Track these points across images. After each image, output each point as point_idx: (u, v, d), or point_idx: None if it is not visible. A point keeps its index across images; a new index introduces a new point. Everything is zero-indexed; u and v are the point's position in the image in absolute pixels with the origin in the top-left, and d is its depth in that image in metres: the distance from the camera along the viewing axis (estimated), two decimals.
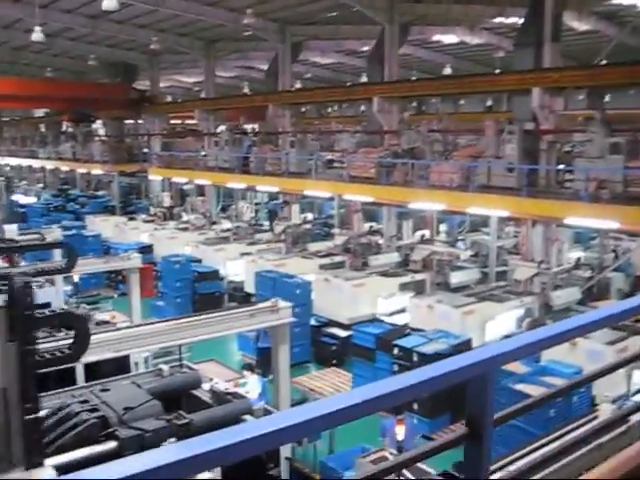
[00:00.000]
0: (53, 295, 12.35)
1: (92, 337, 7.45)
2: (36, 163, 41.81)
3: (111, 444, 5.95)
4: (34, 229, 18.86)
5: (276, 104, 27.19)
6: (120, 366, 9.73)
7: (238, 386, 11.82)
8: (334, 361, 16.09)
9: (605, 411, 4.45)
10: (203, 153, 29.08)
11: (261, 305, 8.11)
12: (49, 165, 40.77)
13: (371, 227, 21.02)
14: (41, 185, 42.59)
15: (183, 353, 14.88)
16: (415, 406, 12.33)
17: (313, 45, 32.10)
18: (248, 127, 33.99)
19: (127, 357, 9.86)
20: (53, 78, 38.78)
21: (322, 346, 16.74)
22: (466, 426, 2.22)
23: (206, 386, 8.83)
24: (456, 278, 18.50)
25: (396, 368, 13.10)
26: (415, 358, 12.70)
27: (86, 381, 9.15)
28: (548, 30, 16.71)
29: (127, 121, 40.20)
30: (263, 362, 16.78)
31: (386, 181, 20.12)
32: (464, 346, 13.01)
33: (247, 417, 6.96)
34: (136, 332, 7.11)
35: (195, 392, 8.17)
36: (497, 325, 14.59)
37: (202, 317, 7.77)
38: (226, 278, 21.47)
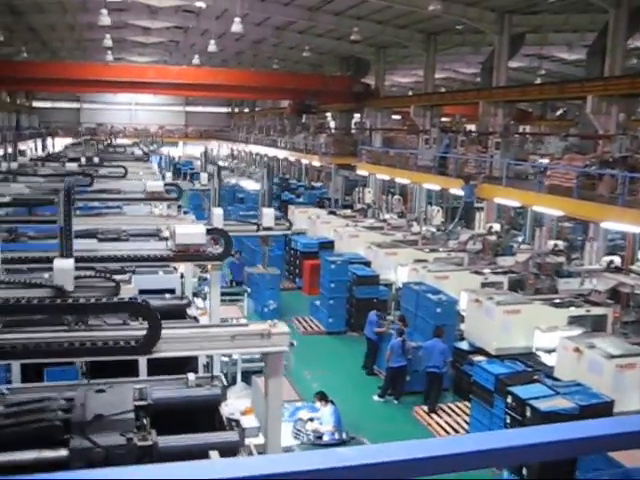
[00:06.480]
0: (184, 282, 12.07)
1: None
2: (271, 152, 43.71)
3: (62, 452, 5.48)
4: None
5: (487, 101, 25.02)
6: (185, 364, 9.08)
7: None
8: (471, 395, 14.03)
9: None
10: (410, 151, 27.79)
11: (251, 327, 6.79)
12: (280, 154, 42.35)
13: (555, 245, 18.05)
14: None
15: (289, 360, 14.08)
16: None
17: (549, 38, 29.11)
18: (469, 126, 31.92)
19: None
20: (278, 70, 40.10)
21: (462, 375, 14.71)
22: None
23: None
24: None
25: (508, 420, 10.84)
26: (528, 413, 10.31)
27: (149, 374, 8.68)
28: None
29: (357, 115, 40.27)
30: (390, 382, 15.24)
31: (587, 194, 17.49)
32: (600, 410, 10.20)
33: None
34: None
35: (220, 410, 7.25)
36: None
37: (173, 332, 6.66)
38: (395, 284, 20.11)
